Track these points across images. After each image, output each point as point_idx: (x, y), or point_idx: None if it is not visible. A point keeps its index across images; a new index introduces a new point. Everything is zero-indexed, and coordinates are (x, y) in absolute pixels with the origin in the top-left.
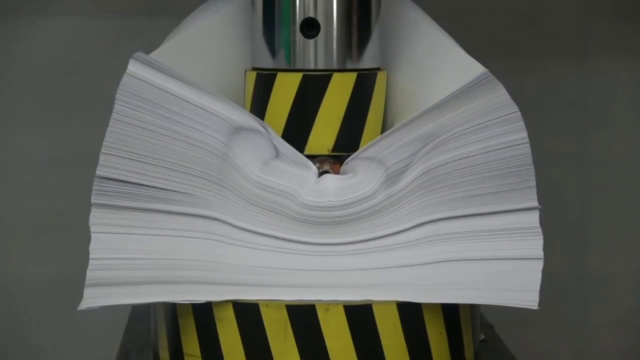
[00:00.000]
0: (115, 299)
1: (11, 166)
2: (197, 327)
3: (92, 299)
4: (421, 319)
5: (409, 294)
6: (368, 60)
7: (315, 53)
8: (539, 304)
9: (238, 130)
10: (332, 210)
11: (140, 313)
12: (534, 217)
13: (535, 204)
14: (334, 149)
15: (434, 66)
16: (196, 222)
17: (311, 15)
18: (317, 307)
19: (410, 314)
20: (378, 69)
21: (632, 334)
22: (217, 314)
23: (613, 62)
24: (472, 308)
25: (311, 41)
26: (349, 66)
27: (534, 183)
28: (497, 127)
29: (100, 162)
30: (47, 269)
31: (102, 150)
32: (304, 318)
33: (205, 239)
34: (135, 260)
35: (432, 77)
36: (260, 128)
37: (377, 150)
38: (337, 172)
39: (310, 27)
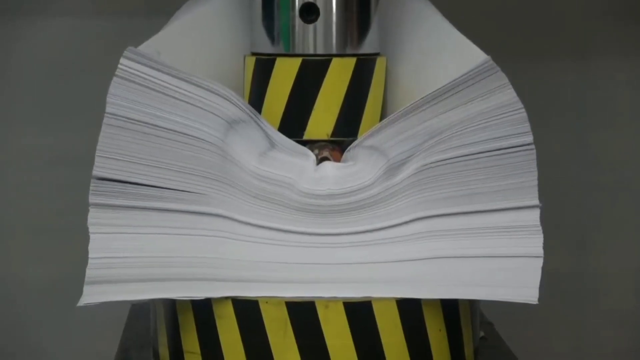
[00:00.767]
0: (114, 296)
1: (11, 166)
2: (196, 324)
3: (91, 295)
4: (421, 316)
5: (409, 290)
6: (367, 46)
7: (315, 38)
8: (539, 302)
9: (233, 124)
10: (331, 198)
11: (139, 311)
12: (534, 215)
13: (536, 202)
14: (333, 134)
15: (436, 50)
16: (194, 218)
17: (310, 0)
18: (316, 304)
19: (410, 311)
20: (377, 54)
21: (632, 332)
22: (217, 311)
23: (613, 62)
24: (472, 305)
25: (310, 26)
26: (348, 51)
27: (535, 183)
28: (503, 127)
29: (95, 163)
30: (47, 269)
31: (97, 153)
32: (303, 315)
33: (204, 235)
34: (134, 258)
35: (434, 61)
36: (254, 120)
37: (380, 140)
38: (336, 159)
39: (310, 12)
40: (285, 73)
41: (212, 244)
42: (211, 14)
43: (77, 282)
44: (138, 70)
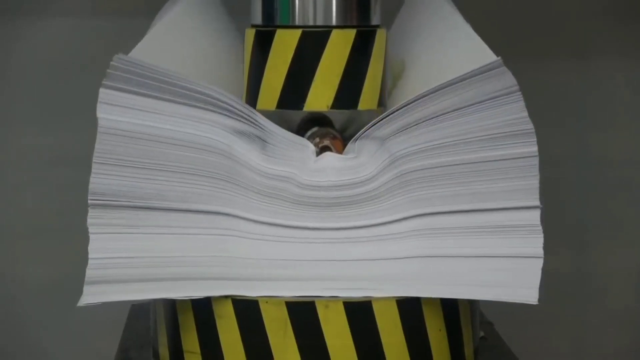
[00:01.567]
0: (114, 296)
1: (11, 166)
2: (196, 324)
3: (91, 295)
4: (421, 315)
5: (408, 289)
6: (367, 17)
7: (315, 9)
8: (539, 302)
9: (229, 123)
10: (331, 190)
11: (139, 311)
12: (534, 215)
13: (537, 202)
14: (333, 105)
15: (450, 48)
16: (193, 217)
17: None
18: (316, 304)
19: (410, 311)
20: (378, 26)
21: (632, 332)
22: (217, 310)
23: (613, 62)
24: (472, 305)
25: None
26: (348, 23)
27: (537, 185)
28: (509, 138)
29: (93, 169)
30: (47, 269)
31: (94, 160)
32: (303, 315)
33: (203, 234)
34: (133, 258)
35: (446, 58)
36: (250, 116)
37: (384, 133)
38: (338, 148)
39: None
40: (285, 45)
41: (211, 242)
42: (188, 13)
43: (77, 282)
44: (130, 76)
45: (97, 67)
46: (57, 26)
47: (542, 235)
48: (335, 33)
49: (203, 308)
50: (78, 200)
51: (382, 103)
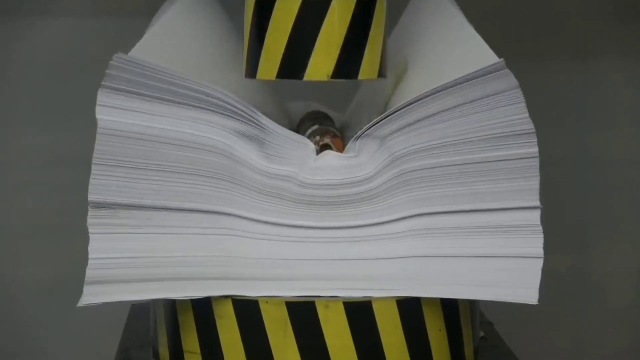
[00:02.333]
0: (114, 296)
1: (11, 166)
2: (196, 324)
3: (92, 295)
4: (421, 315)
5: (408, 289)
6: None
7: None
8: (539, 301)
9: (233, 131)
10: (330, 188)
11: (139, 311)
12: (535, 216)
13: (537, 203)
14: (333, 75)
15: (451, 47)
16: (194, 217)
17: None
18: (316, 304)
19: (410, 311)
20: None
21: (632, 332)
22: (217, 310)
23: (613, 62)
24: (472, 305)
25: None
26: None
27: (537, 186)
28: (510, 139)
29: (92, 170)
30: (47, 269)
31: (94, 161)
32: (303, 315)
33: (203, 234)
34: (133, 258)
35: (448, 57)
36: (251, 115)
37: (385, 132)
38: (338, 147)
39: None
40: (285, 13)
41: (211, 242)
42: (185, 12)
43: (77, 282)
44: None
45: (97, 67)
46: (57, 26)
47: (542, 235)
48: (336, 1)
49: (203, 308)
50: (78, 200)
51: (382, 73)
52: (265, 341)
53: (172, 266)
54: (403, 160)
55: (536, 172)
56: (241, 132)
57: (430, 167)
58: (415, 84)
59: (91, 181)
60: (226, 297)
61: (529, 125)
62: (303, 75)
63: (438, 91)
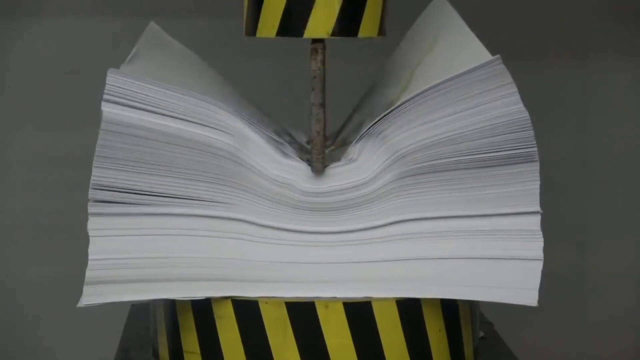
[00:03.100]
0: (114, 296)
1: (11, 166)
2: (196, 324)
3: (92, 296)
4: (420, 316)
5: (408, 290)
6: None
7: None
8: (539, 302)
9: (239, 133)
10: (330, 195)
11: (139, 311)
12: (535, 220)
13: (537, 208)
14: (333, 32)
15: (451, 50)
16: (194, 220)
17: None
18: (316, 304)
19: (410, 311)
20: None
21: (631, 332)
22: (217, 311)
23: (613, 62)
24: (472, 305)
25: None
26: None
27: (537, 191)
28: (509, 142)
29: (93, 174)
30: (47, 269)
31: (94, 164)
32: (303, 315)
33: (203, 235)
34: (133, 258)
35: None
36: (252, 124)
37: (386, 132)
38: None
39: None
40: None
41: (212, 244)
42: (147, 48)
43: (77, 282)
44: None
45: (97, 67)
46: (57, 26)
47: (542, 239)
48: None
49: (203, 308)
50: (78, 200)
51: (382, 32)
52: (265, 341)
53: (172, 267)
54: (403, 162)
55: (536, 177)
56: (248, 137)
57: (430, 172)
58: (414, 90)
59: (92, 182)
60: (226, 297)
61: (529, 125)
62: (303, 32)
63: (437, 85)
